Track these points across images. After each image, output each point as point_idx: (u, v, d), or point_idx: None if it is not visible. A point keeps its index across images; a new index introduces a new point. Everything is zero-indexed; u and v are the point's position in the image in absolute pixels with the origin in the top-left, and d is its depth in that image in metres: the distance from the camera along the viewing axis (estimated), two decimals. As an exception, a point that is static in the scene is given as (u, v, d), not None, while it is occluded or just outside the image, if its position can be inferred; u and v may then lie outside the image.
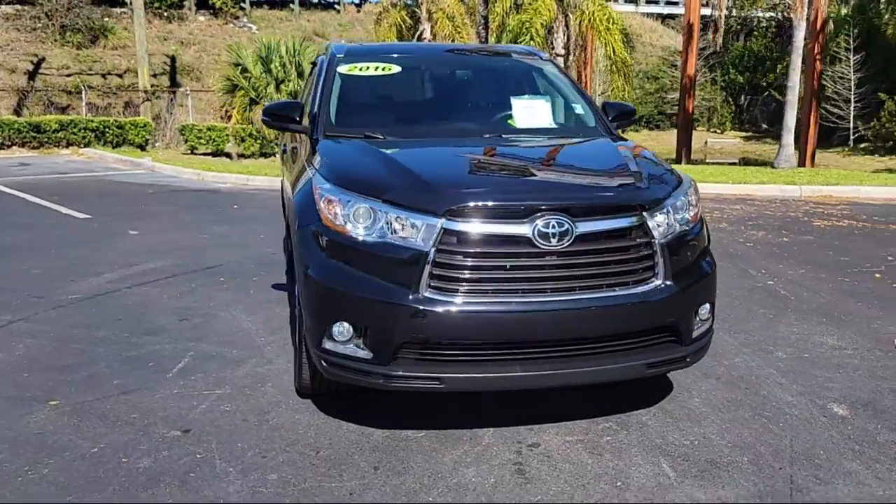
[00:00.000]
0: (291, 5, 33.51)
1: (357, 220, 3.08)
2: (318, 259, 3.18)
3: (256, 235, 7.85)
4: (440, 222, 2.94)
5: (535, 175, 3.51)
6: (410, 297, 2.94)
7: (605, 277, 3.05)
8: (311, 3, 34.94)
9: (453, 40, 17.14)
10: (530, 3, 17.22)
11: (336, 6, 35.01)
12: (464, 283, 2.96)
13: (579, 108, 4.46)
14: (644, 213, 3.11)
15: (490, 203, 3.02)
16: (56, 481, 2.89)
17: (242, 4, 32.31)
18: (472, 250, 2.96)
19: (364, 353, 3.05)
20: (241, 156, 18.77)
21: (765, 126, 31.20)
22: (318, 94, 4.25)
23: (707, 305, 3.35)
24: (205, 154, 19.28)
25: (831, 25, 23.11)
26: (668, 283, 3.13)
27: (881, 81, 23.28)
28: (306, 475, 2.94)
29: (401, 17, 17.74)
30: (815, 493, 2.82)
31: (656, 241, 3.12)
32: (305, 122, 4.20)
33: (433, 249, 2.93)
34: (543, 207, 2.98)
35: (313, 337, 3.18)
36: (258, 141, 18.76)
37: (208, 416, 3.48)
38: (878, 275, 6.21)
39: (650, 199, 3.18)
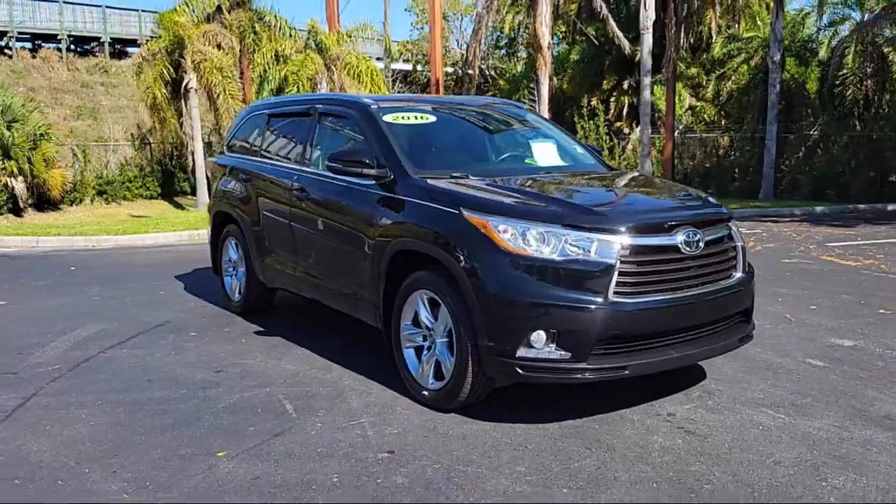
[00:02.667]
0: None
1: (539, 242, 3.66)
2: (504, 279, 3.67)
3: (154, 293, 7.46)
4: (620, 239, 3.65)
5: (646, 198, 4.35)
6: (603, 301, 3.60)
7: (718, 273, 4.00)
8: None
9: (223, 90, 16.99)
10: (296, 57, 17.72)
11: (7, 50, 29.69)
12: (637, 286, 3.69)
13: (577, 148, 5.39)
14: (729, 223, 4.14)
15: (650, 221, 3.81)
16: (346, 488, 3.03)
17: None
18: (640, 259, 3.70)
19: (562, 354, 3.62)
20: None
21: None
22: (379, 141, 4.64)
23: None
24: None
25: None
26: (744, 275, 4.17)
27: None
28: (539, 465, 3.42)
29: (164, 68, 17.09)
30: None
31: (737, 244, 4.14)
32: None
33: (618, 261, 3.62)
34: (682, 223, 3.85)
35: (504, 349, 3.65)
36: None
37: (389, 438, 3.71)
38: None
39: (728, 213, 4.21)
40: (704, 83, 27.16)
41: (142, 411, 4.18)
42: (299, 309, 6.69)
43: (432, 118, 5.06)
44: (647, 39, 17.33)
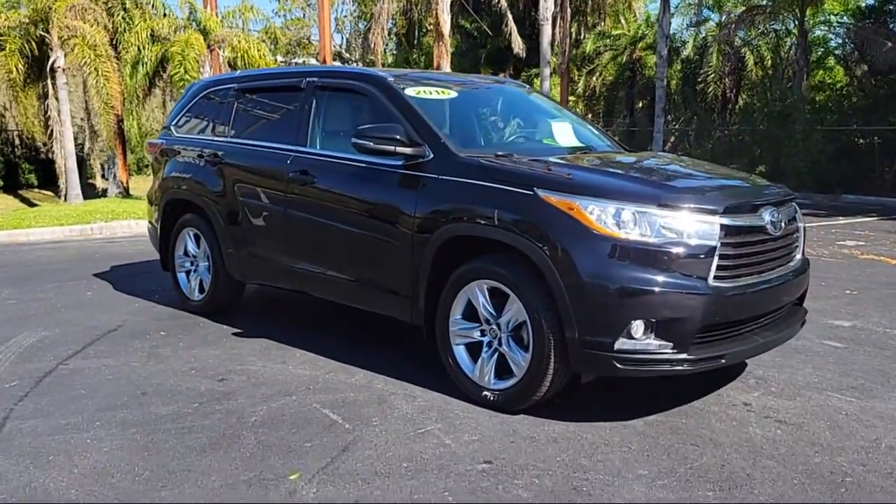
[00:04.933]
0: None
1: (634, 224, 3.39)
2: (599, 265, 3.37)
3: (80, 294, 6.52)
4: (720, 220, 3.44)
5: (721, 179, 4.14)
6: (704, 286, 3.38)
7: (790, 255, 3.91)
8: None
9: (96, 70, 15.44)
10: (177, 37, 16.44)
11: None
12: (733, 269, 3.50)
13: (590, 129, 5.17)
14: (794, 203, 4.05)
15: (742, 201, 3.63)
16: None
17: None
18: (736, 240, 3.52)
19: (662, 344, 3.37)
20: None
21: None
22: (409, 117, 4.19)
23: None
24: None
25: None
26: (803, 256, 4.10)
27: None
28: (660, 467, 3.16)
29: (24, 43, 15.24)
30: None
31: (800, 224, 4.07)
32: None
33: (719, 243, 3.42)
34: (766, 203, 3.70)
35: (600, 341, 3.36)
36: None
37: (473, 447, 3.32)
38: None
39: (793, 193, 4.13)
40: (576, 79, 28.05)
41: (160, 431, 3.52)
42: (263, 305, 6.06)
43: (453, 93, 4.66)
44: (547, 30, 17.53)
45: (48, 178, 23.95)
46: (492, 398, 3.75)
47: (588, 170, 3.98)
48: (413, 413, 3.73)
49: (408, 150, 4.06)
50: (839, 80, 22.70)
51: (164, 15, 17.96)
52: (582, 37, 27.72)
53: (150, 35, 16.90)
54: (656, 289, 3.34)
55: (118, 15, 17.13)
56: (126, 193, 18.22)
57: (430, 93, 4.49)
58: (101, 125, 16.64)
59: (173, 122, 6.06)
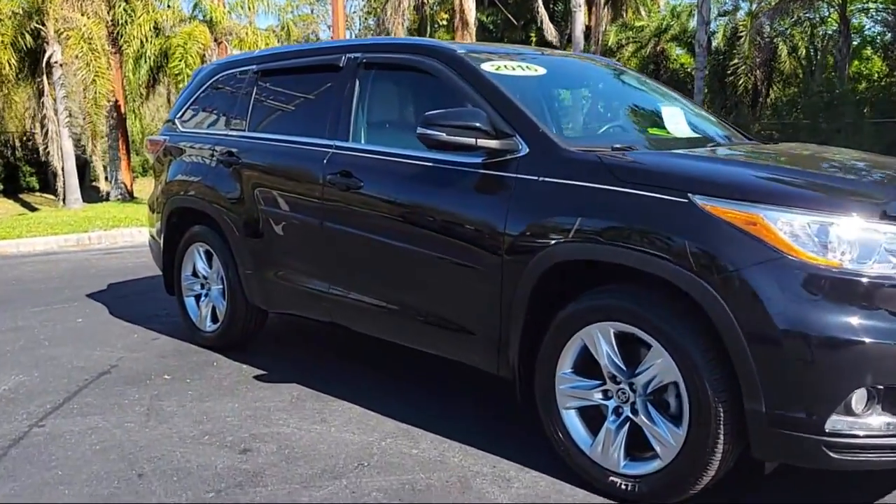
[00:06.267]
0: None
1: (845, 246, 2.32)
2: (801, 307, 2.30)
3: (70, 320, 5.48)
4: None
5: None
6: (953, 335, 2.31)
7: None
8: None
9: (87, 66, 14.40)
10: (181, 29, 15.44)
11: None
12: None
13: (703, 114, 4.09)
14: None
15: None
16: None
17: None
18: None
19: (891, 422, 2.31)
20: None
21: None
22: (493, 100, 3.13)
23: None
24: None
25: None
26: None
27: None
28: None
29: (17, 36, 14.22)
30: None
31: None
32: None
33: (972, 273, 2.34)
34: None
35: (803, 419, 2.29)
36: None
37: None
38: None
39: None
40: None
41: None
42: (290, 337, 5.01)
43: (542, 69, 3.59)
44: (580, 18, 16.47)
45: (50, 182, 23.04)
46: (623, 486, 2.69)
47: (757, 166, 2.91)
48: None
49: (493, 144, 3.00)
50: (877, 70, 21.56)
51: (168, 6, 16.95)
52: (604, 28, 26.66)
53: (154, 28, 15.88)
54: (889, 342, 2.27)
55: (119, 6, 16.09)
56: (130, 196, 17.23)
57: (514, 69, 3.43)
58: (89, 125, 15.47)
59: (178, 115, 5.01)
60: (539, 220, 2.86)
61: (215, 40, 15.76)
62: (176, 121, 5.00)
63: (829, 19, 22.07)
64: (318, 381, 3.99)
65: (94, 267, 7.94)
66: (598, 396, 2.78)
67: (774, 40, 22.39)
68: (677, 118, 3.80)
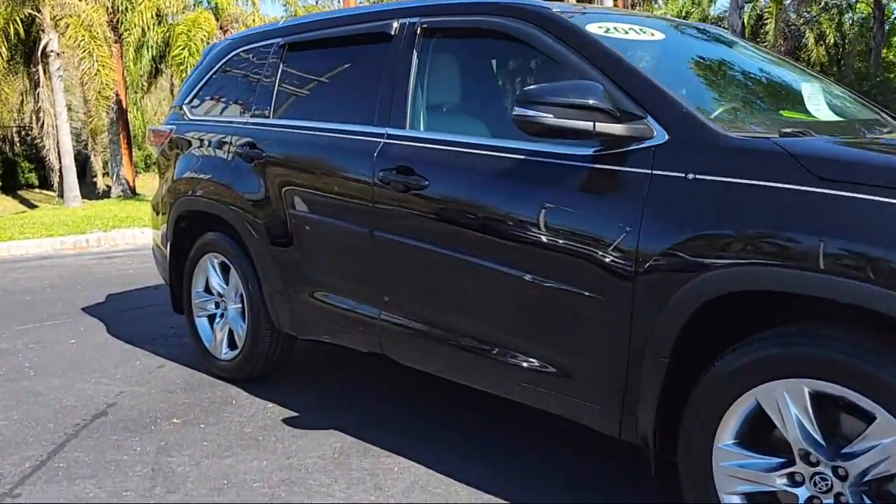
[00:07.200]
0: None
1: None
2: None
3: (62, 342, 4.70)
4: None
5: None
6: None
7: None
8: None
9: (90, 55, 13.61)
10: (184, 17, 14.65)
11: None
12: None
13: (838, 91, 3.27)
14: None
15: None
16: None
17: None
18: None
19: None
20: None
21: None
22: (613, 71, 2.34)
23: None
24: None
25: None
26: None
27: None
28: None
29: (9, 23, 13.40)
30: None
31: None
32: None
33: None
34: None
35: None
36: None
37: None
38: None
39: None
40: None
41: None
42: (323, 365, 4.22)
43: (660, 34, 2.80)
44: (608, 4, 15.57)
45: (50, 178, 22.36)
46: None
47: None
48: None
49: (616, 129, 2.21)
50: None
51: (172, -7, 16.14)
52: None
53: (156, 15, 15.08)
54: None
55: (119, -8, 15.29)
56: (132, 193, 16.46)
57: (626, 31, 2.63)
58: (94, 118, 14.72)
59: (187, 100, 4.22)
60: (693, 234, 2.06)
61: (220, 28, 14.95)
62: (184, 107, 4.21)
63: (858, 5, 21.22)
64: (363, 426, 3.21)
65: (91, 274, 7.15)
66: (780, 482, 1.98)
67: (801, 28, 21.58)
68: (816, 97, 3.00)
